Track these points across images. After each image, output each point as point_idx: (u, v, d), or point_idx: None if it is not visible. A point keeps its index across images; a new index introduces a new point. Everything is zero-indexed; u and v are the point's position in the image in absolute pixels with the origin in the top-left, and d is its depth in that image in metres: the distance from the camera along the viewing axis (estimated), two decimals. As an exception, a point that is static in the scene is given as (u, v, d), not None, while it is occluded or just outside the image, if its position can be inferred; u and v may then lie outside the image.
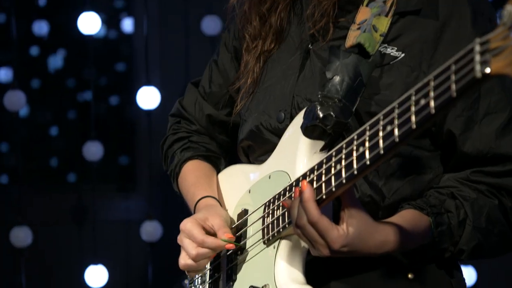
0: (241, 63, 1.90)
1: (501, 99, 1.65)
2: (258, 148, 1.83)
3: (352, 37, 1.66)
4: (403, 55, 1.66)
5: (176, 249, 1.79)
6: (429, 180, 1.69)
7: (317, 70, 1.73)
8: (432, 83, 1.31)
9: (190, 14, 3.87)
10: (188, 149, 2.01)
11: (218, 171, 1.99)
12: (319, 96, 1.61)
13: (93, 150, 3.66)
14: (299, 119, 1.68)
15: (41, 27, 4.16)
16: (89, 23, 3.61)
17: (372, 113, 1.64)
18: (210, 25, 3.67)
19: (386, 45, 1.66)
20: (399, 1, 1.68)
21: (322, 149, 1.64)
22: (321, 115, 1.59)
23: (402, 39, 1.67)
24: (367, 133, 1.44)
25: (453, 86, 1.26)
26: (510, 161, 1.65)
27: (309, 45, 1.76)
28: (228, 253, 1.79)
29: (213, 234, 1.74)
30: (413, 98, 1.34)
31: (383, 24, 1.66)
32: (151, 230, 3.64)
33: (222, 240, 1.72)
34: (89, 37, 3.70)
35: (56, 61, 4.37)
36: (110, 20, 4.19)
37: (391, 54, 1.66)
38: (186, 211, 1.94)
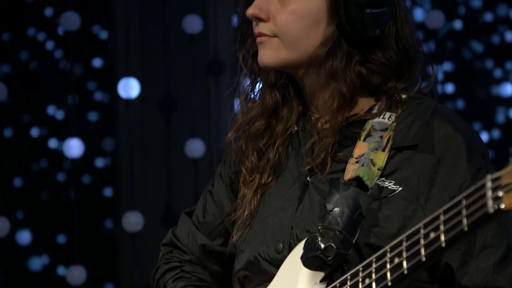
0: (238, 195, 1.92)
1: (497, 234, 1.68)
2: (255, 279, 1.83)
3: (351, 170, 1.71)
4: (400, 188, 1.70)
5: None
6: None
7: (316, 202, 1.76)
8: (442, 217, 1.36)
9: (172, 137, 3.91)
10: (181, 279, 2.00)
11: (210, 301, 1.98)
12: (320, 227, 1.64)
13: (76, 275, 3.63)
14: (298, 250, 1.70)
15: (22, 144, 4.19)
16: (73, 147, 3.64)
17: (371, 244, 1.67)
18: (193, 148, 3.71)
19: (383, 178, 1.71)
20: (395, 136, 1.74)
21: (322, 280, 1.66)
22: (322, 246, 1.62)
23: (400, 173, 1.72)
24: (374, 265, 1.47)
25: (465, 221, 1.32)
26: None
27: (308, 178, 1.80)
28: None
29: None
30: (422, 231, 1.39)
31: (381, 158, 1.71)
32: None
33: None
34: (73, 160, 3.73)
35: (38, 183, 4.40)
36: (92, 142, 4.24)
37: (389, 187, 1.70)
38: None
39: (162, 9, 3.89)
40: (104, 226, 4.32)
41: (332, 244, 1.61)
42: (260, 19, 1.79)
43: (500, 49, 4.79)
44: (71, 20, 3.50)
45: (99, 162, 4.37)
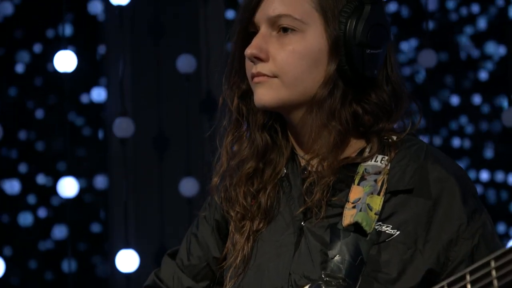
0: (228, 240, 1.90)
1: None
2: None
3: (349, 216, 1.72)
4: (398, 232, 1.72)
5: None
6: None
7: (313, 247, 1.75)
8: (468, 277, 1.38)
9: (166, 176, 3.91)
10: None
11: None
12: (323, 275, 1.65)
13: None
14: None
15: (12, 186, 4.19)
16: (67, 186, 3.63)
17: None
18: (188, 186, 3.70)
19: (380, 223, 1.72)
20: (390, 179, 1.75)
21: None
22: None
23: (396, 217, 1.73)
24: None
25: (496, 282, 1.34)
26: None
27: (302, 223, 1.79)
28: None
29: None
30: None
31: (377, 202, 1.73)
32: None
33: None
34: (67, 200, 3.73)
35: (27, 219, 4.38)
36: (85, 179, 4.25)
37: (387, 232, 1.72)
38: None
39: (155, 48, 3.91)
40: (95, 265, 4.31)
41: None
42: (259, 59, 1.78)
43: (488, 85, 4.85)
44: (66, 61, 3.52)
45: (91, 200, 4.37)
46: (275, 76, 1.78)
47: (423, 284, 1.70)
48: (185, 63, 3.64)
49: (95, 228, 4.42)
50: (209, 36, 3.90)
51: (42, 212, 4.42)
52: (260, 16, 1.80)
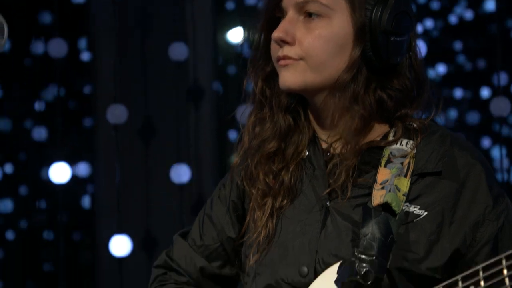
0: (248, 219, 1.93)
1: None
2: (277, 304, 1.84)
3: (378, 196, 1.76)
4: (426, 213, 1.77)
5: None
6: None
7: (341, 226, 1.80)
8: (481, 273, 1.47)
9: (156, 163, 3.91)
10: None
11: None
12: (356, 253, 1.69)
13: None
14: (329, 274, 1.74)
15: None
16: (59, 172, 3.62)
17: (401, 268, 1.74)
18: (178, 173, 3.70)
19: (408, 204, 1.77)
20: (416, 163, 1.81)
21: None
22: (362, 271, 1.66)
23: (424, 199, 1.79)
24: None
25: (507, 281, 1.43)
26: None
27: (327, 203, 1.84)
28: None
29: None
30: (460, 284, 1.51)
31: (404, 184, 1.78)
32: None
33: None
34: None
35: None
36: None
37: (414, 212, 1.77)
38: None
39: (144, 36, 3.93)
40: (90, 251, 4.31)
41: (370, 269, 1.66)
42: (285, 42, 1.82)
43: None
44: (58, 47, 3.52)
45: (77, 186, 4.37)
46: (301, 59, 1.82)
47: (449, 264, 1.76)
48: (177, 51, 3.65)
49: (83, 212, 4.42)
50: (196, 24, 3.91)
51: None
52: (288, 1, 1.84)
